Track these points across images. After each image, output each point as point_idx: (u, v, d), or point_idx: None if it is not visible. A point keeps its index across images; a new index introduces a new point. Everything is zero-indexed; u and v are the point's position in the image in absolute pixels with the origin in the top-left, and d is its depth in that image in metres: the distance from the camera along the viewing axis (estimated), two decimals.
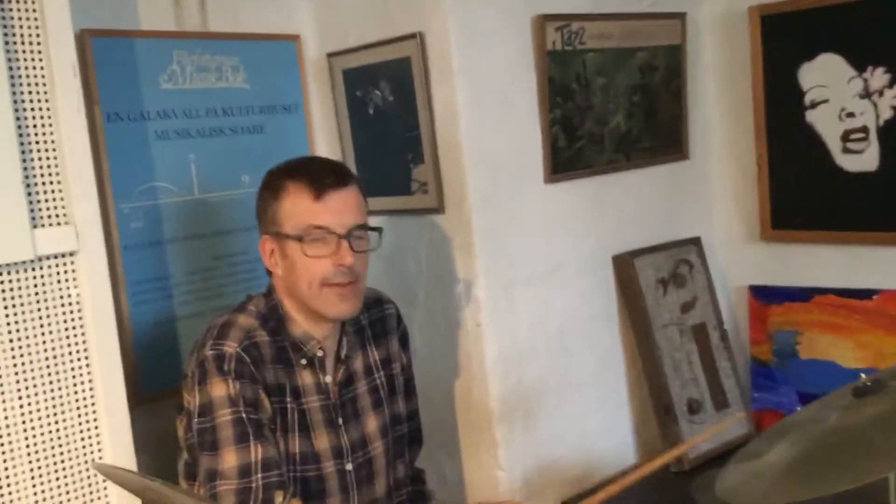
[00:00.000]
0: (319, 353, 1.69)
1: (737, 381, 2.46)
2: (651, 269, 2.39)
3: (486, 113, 2.08)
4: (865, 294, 2.32)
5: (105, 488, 1.68)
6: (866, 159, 2.26)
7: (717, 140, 2.59)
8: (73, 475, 1.64)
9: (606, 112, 2.32)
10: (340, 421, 1.71)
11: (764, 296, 2.51)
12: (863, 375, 1.28)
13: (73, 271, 1.65)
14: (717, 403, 2.40)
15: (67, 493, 1.64)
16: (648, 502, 2.17)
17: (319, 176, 1.63)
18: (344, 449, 1.70)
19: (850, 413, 1.27)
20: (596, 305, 2.34)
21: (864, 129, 2.25)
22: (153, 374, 1.98)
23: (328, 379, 1.71)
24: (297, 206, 1.63)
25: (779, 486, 1.23)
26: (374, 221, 2.26)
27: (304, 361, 1.68)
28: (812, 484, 1.18)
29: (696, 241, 2.51)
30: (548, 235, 2.22)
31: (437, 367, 2.19)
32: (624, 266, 2.36)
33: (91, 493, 1.66)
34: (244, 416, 1.56)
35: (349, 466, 1.70)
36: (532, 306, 2.19)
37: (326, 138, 2.29)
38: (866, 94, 2.24)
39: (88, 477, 1.66)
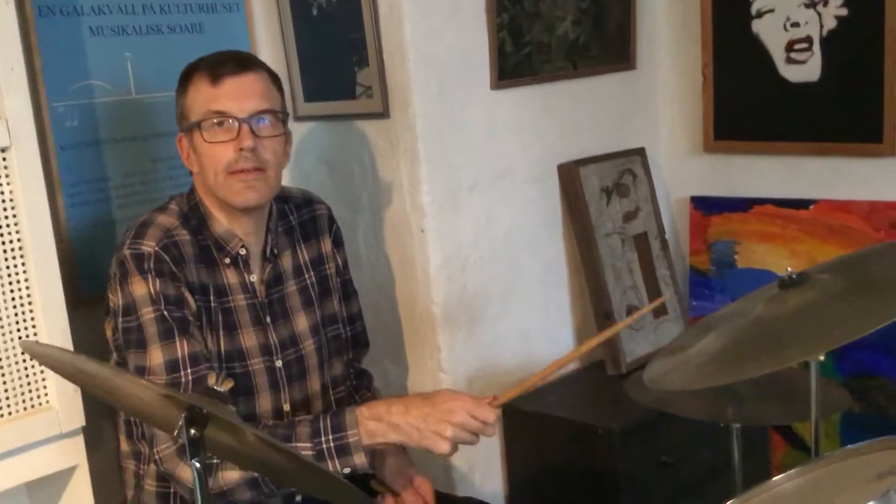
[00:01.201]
0: (242, 252, 1.68)
1: (675, 290, 2.51)
2: (595, 178, 2.41)
3: (432, 15, 2.05)
4: (802, 204, 2.37)
5: (45, 386, 1.67)
6: (809, 69, 2.29)
7: (665, 50, 2.59)
8: (10, 374, 1.63)
9: (554, 19, 2.30)
10: (268, 319, 1.71)
11: (705, 206, 2.55)
12: (789, 268, 1.32)
13: (6, 167, 1.60)
14: (656, 311, 2.45)
15: (6, 391, 1.62)
16: (586, 403, 2.24)
17: (219, 63, 1.62)
18: (273, 346, 1.71)
19: (776, 304, 1.31)
20: (541, 213, 2.36)
21: (808, 39, 2.27)
22: (92, 278, 1.95)
23: (254, 278, 1.71)
24: (198, 94, 1.62)
25: (703, 371, 1.27)
26: (318, 126, 2.25)
27: (227, 260, 1.68)
28: (735, 369, 1.22)
29: (640, 152, 2.53)
30: (494, 142, 2.22)
31: (382, 273, 2.20)
32: (569, 175, 2.37)
33: (31, 391, 1.65)
34: (166, 313, 1.56)
35: (279, 363, 1.71)
36: (477, 213, 2.20)
37: (268, 40, 2.24)
38: (811, 4, 2.24)
39: (27, 376, 1.65)
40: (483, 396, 1.59)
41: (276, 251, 1.75)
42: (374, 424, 1.55)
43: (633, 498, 2.07)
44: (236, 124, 1.60)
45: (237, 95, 1.60)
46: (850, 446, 1.25)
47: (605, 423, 2.07)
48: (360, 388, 1.94)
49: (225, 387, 1.08)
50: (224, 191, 1.63)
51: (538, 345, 2.37)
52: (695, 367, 1.29)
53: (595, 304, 2.38)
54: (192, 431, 1.02)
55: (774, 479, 1.24)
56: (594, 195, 2.39)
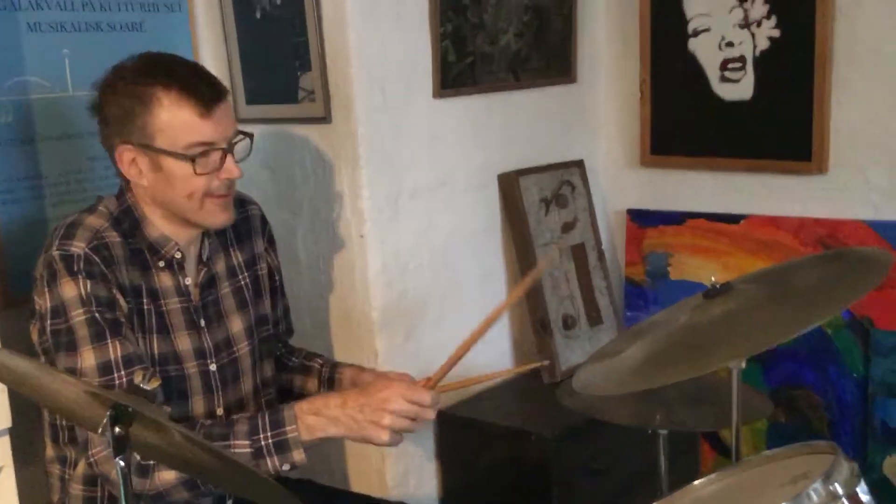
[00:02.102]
0: (178, 256, 1.67)
1: (610, 300, 2.56)
2: (535, 188, 2.44)
3: (375, 21, 2.06)
4: (733, 219, 2.44)
5: None
6: (742, 88, 2.36)
7: (605, 65, 2.64)
8: None
9: (497, 30, 2.33)
10: (203, 323, 1.70)
11: (641, 219, 2.60)
12: (713, 278, 1.36)
13: None
14: (591, 320, 2.50)
15: None
16: (521, 409, 2.27)
17: (197, 87, 1.56)
18: (207, 350, 1.70)
19: (700, 312, 1.35)
20: (480, 221, 2.38)
21: (742, 59, 2.34)
22: (23, 278, 1.90)
23: (188, 281, 1.69)
24: (178, 121, 1.55)
25: (630, 377, 1.31)
26: (260, 130, 2.23)
27: (161, 263, 1.66)
28: (659, 374, 1.26)
29: (579, 164, 2.58)
30: (435, 150, 2.24)
31: (321, 277, 2.20)
32: (509, 184, 2.40)
33: None
34: (97, 315, 1.54)
35: (213, 367, 1.70)
36: (417, 220, 2.21)
37: (211, 41, 2.23)
38: (745, 24, 2.31)
39: None
40: (417, 381, 1.62)
41: (210, 254, 1.74)
42: (313, 419, 1.55)
43: (565, 502, 2.10)
44: (220, 153, 1.59)
45: (222, 125, 1.59)
46: (767, 451, 1.30)
47: (538, 429, 2.10)
48: (311, 356, 1.93)
49: (152, 385, 1.07)
50: (200, 214, 1.62)
51: (476, 351, 2.36)
52: (622, 373, 1.33)
53: (532, 313, 2.41)
54: (118, 429, 1.01)
55: (695, 482, 1.28)
56: (533, 205, 2.42)
